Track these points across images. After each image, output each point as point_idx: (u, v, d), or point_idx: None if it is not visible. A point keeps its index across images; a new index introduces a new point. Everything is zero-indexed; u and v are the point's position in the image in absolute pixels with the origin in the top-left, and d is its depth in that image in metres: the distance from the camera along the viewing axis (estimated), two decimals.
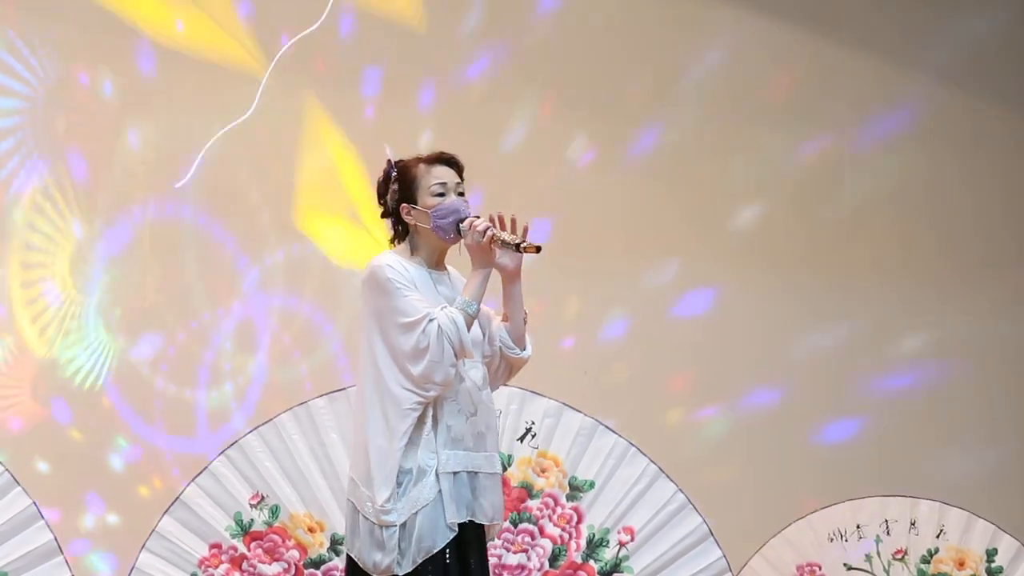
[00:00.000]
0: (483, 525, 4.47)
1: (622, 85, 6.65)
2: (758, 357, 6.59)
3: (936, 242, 6.80)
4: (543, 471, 6.07)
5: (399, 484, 4.34)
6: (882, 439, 6.61)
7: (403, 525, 4.34)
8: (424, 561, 4.34)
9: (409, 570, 4.34)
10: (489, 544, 4.54)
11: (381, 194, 4.57)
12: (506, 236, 4.41)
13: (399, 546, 4.34)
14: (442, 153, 4.55)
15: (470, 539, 4.43)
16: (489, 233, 4.40)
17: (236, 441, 5.94)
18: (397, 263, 4.45)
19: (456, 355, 4.35)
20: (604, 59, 6.65)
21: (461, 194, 4.52)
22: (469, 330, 4.38)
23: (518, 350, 4.58)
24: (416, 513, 4.34)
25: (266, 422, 6.03)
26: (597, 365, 6.40)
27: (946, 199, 6.84)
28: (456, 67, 6.52)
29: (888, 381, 6.69)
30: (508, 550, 6.03)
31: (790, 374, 6.59)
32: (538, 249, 4.38)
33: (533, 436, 6.08)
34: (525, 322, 4.59)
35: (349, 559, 4.47)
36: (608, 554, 6.06)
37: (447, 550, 4.37)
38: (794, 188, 6.78)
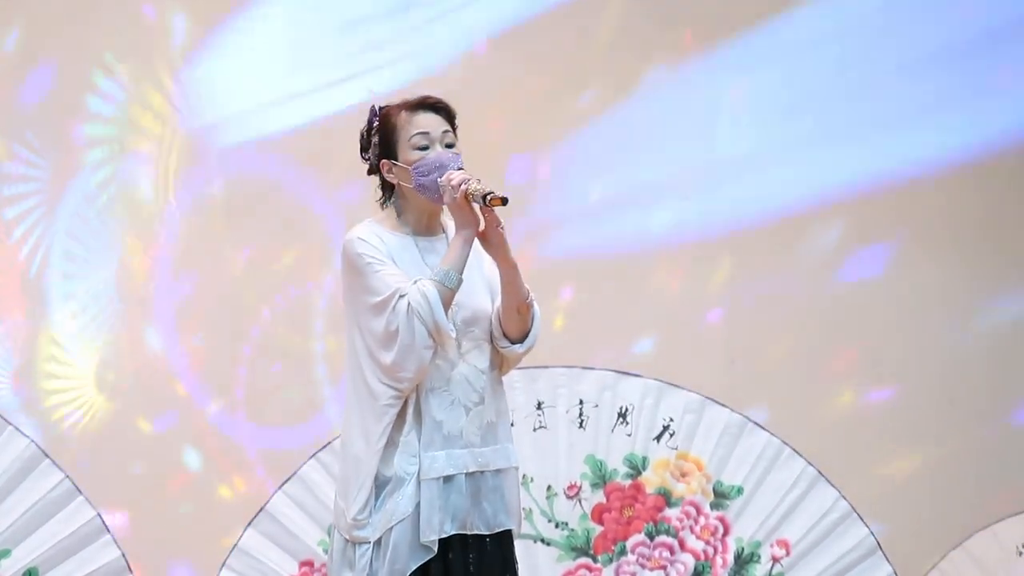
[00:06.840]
0: (485, 535, 4.13)
1: None
2: (934, 333, 6.23)
3: None
4: (683, 475, 5.90)
5: (377, 495, 4.05)
6: None
7: (377, 542, 4.05)
8: None
9: None
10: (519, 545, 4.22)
11: (364, 147, 4.24)
12: (475, 187, 4.03)
13: (370, 566, 4.05)
14: (426, 97, 4.19)
15: (464, 557, 4.09)
16: (463, 187, 4.03)
17: (330, 443, 5.65)
18: (370, 234, 4.13)
19: (430, 336, 3.98)
20: None
21: (450, 145, 4.15)
22: (448, 306, 4.01)
23: (505, 342, 4.16)
24: (391, 529, 4.03)
25: None
26: (745, 351, 6.09)
27: None
28: None
29: None
30: (644, 567, 5.85)
31: (969, 357, 6.20)
32: (504, 201, 3.99)
33: (671, 435, 5.90)
34: (521, 312, 4.14)
35: None
36: (760, 571, 5.89)
37: (429, 572, 4.06)
38: None
